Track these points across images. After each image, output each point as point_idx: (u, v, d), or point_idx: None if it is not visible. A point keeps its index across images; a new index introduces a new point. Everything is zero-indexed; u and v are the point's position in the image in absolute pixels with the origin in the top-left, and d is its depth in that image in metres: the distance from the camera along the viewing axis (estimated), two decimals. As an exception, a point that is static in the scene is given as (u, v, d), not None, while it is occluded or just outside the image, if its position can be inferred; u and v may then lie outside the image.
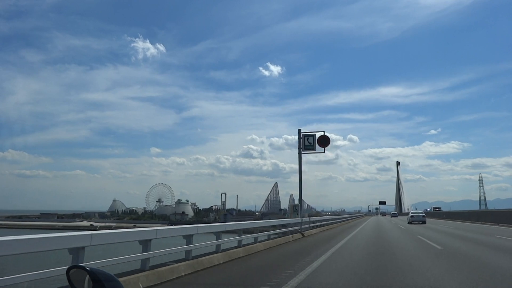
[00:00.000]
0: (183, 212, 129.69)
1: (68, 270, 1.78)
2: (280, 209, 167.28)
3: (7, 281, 3.61)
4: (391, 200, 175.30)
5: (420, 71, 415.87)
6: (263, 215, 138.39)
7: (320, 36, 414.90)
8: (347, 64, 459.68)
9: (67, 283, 1.76)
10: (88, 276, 1.67)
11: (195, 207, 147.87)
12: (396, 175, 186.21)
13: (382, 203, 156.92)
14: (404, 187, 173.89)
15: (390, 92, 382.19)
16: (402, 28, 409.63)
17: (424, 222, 31.60)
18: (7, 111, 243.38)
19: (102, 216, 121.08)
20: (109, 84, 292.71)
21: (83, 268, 1.73)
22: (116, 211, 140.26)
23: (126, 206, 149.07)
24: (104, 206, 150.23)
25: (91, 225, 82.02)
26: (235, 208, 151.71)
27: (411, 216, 34.45)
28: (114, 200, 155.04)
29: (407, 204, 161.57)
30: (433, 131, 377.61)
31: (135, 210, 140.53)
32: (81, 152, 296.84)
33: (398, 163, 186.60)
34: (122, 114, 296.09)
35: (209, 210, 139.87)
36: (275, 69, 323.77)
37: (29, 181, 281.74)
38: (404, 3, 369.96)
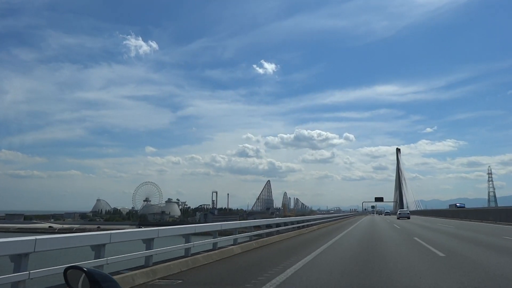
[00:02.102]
0: (163, 212, 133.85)
1: (65, 270, 1.91)
2: (268, 208, 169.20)
3: (7, 279, 4.24)
4: (389, 197, 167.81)
5: (416, 69, 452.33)
6: (248, 215, 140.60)
7: (316, 34, 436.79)
8: (342, 63, 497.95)
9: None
10: (85, 276, 1.80)
11: (186, 206, 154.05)
12: (395, 166, 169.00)
13: (379, 199, 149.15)
14: (407, 179, 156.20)
15: (386, 90, 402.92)
16: (398, 26, 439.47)
17: (408, 218, 48.01)
18: (1, 110, 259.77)
19: (83, 216, 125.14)
20: (104, 83, 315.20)
21: (80, 268, 1.85)
22: (100, 211, 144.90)
23: (122, 206, 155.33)
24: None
25: (49, 227, 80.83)
26: (226, 207, 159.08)
27: (399, 213, 52.93)
28: (98, 200, 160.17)
29: (411, 200, 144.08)
30: (429, 129, 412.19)
31: (120, 210, 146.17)
32: (76, 151, 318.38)
33: (398, 150, 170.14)
34: (117, 113, 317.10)
35: (197, 209, 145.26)
36: (270, 67, 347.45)
37: (23, 181, 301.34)
38: (399, 1, 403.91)
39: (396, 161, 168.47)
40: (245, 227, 15.52)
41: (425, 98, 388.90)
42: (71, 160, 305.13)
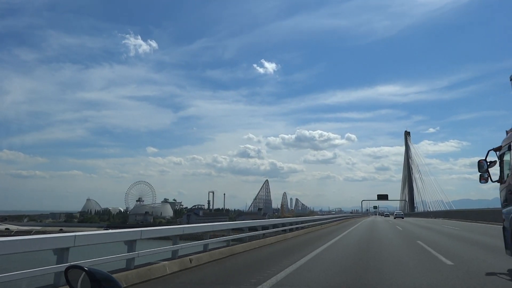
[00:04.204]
0: (146, 213, 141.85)
1: (66, 269, 2.12)
2: (260, 208, 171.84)
3: (5, 278, 4.51)
4: (395, 195, 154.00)
5: (418, 69, 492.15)
6: (238, 216, 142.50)
7: (316, 34, 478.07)
8: (344, 63, 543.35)
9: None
10: (86, 276, 2.00)
11: (181, 206, 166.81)
12: (403, 154, 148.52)
13: (383, 197, 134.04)
14: (422, 171, 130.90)
15: (387, 90, 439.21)
16: (399, 26, 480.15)
17: (402, 218, 68.20)
18: (1, 110, 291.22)
19: (69, 216, 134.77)
20: (105, 83, 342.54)
21: (81, 267, 2.05)
22: (89, 211, 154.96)
23: (119, 206, 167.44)
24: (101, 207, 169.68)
25: (6, 229, 79.73)
26: (223, 207, 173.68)
27: (395, 214, 77.02)
28: (88, 200, 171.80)
29: (429, 199, 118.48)
30: (431, 130, 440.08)
31: (110, 210, 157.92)
32: (78, 152, 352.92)
33: (407, 133, 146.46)
34: (118, 114, 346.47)
35: (191, 210, 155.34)
36: (270, 66, 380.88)
37: (25, 182, 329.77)
38: (400, 1, 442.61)
39: (404, 149, 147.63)
40: (221, 230, 14.58)
41: (427, 99, 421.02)
42: (72, 161, 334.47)
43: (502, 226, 9.41)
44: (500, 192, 9.97)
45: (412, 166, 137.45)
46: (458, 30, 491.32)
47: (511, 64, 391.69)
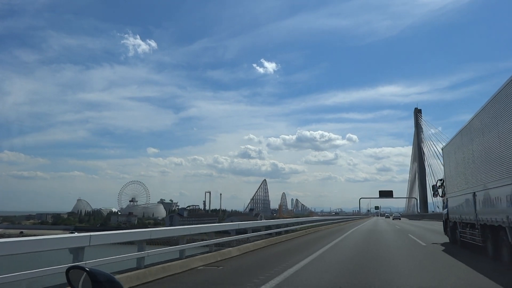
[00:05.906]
0: (130, 213, 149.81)
1: (67, 270, 2.34)
2: (251, 209, 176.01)
3: (7, 278, 4.98)
4: (398, 195, 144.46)
5: (419, 69, 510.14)
6: (228, 217, 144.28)
7: (317, 34, 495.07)
8: (345, 63, 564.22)
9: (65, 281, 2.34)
10: (87, 276, 2.18)
11: (177, 207, 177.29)
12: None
13: (386, 193, 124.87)
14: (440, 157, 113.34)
15: (389, 91, 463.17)
16: (400, 26, 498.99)
17: (399, 219, 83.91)
18: (2, 111, 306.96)
19: (56, 217, 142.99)
20: (106, 84, 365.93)
21: (82, 268, 2.25)
22: (79, 212, 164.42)
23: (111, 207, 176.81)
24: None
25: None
26: (220, 208, 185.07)
27: (394, 215, 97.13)
28: (78, 200, 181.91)
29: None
30: (433, 130, 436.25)
31: (102, 210, 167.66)
32: (79, 153, 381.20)
33: (418, 111, 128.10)
34: (119, 115, 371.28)
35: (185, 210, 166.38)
36: (271, 66, 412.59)
37: (26, 183, 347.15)
38: (402, 0, 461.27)
39: (414, 130, 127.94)
40: (201, 234, 13.94)
41: (429, 99, 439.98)
42: (73, 162, 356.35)
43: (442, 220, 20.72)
44: (442, 202, 21.33)
45: (425, 151, 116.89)
46: (459, 30, 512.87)
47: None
